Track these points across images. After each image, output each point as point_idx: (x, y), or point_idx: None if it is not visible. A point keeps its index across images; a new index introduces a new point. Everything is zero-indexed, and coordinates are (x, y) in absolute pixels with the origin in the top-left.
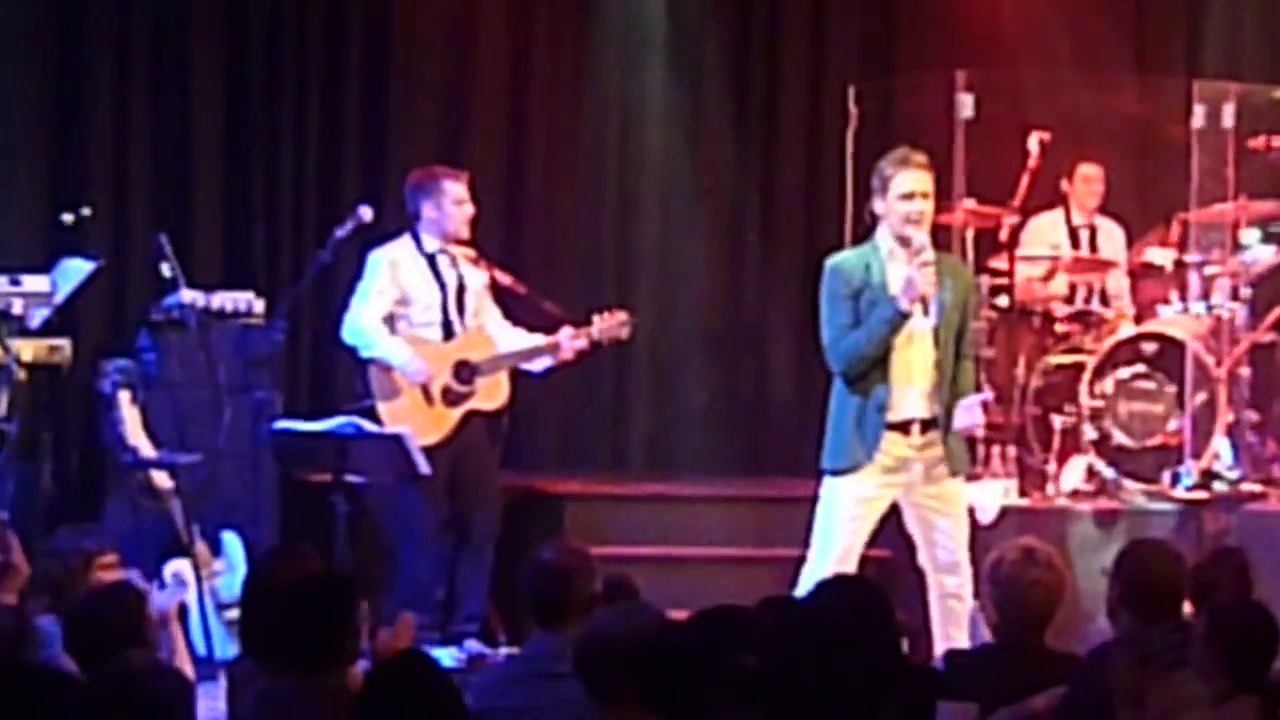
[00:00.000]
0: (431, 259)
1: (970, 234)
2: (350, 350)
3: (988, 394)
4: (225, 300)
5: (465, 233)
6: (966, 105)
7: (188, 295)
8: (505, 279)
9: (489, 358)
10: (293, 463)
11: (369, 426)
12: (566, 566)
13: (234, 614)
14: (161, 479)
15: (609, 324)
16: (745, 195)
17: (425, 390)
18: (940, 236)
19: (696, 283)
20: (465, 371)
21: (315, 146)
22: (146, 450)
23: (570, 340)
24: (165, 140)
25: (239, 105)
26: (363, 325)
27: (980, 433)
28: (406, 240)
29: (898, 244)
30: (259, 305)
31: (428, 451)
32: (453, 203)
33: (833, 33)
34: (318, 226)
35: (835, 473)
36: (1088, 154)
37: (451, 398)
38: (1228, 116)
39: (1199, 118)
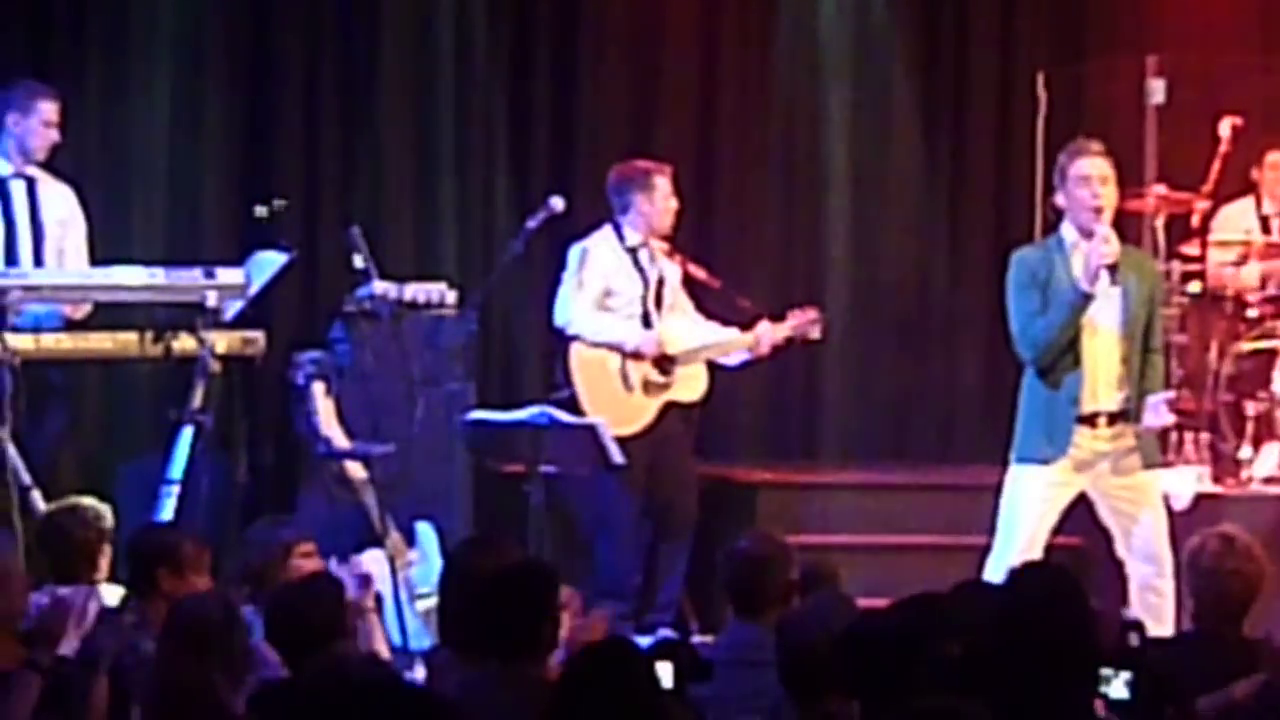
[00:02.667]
0: (633, 252)
1: (1161, 220)
2: (558, 335)
3: (1172, 393)
4: (418, 291)
5: (669, 228)
6: (1158, 90)
7: (380, 286)
8: (700, 273)
9: (686, 350)
10: (486, 453)
11: (563, 416)
12: (764, 556)
13: (428, 604)
14: (356, 470)
15: (802, 321)
16: (934, 183)
17: (625, 380)
18: (1131, 223)
19: (887, 272)
20: (665, 362)
21: (505, 137)
22: (340, 441)
23: (767, 335)
24: (356, 132)
25: (429, 96)
26: (582, 314)
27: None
28: (608, 232)
29: (1081, 236)
30: (451, 296)
31: (625, 441)
32: (663, 197)
33: (1022, 19)
34: (508, 218)
35: (1023, 461)
36: (1277, 145)
37: (651, 388)
38: None
39: None
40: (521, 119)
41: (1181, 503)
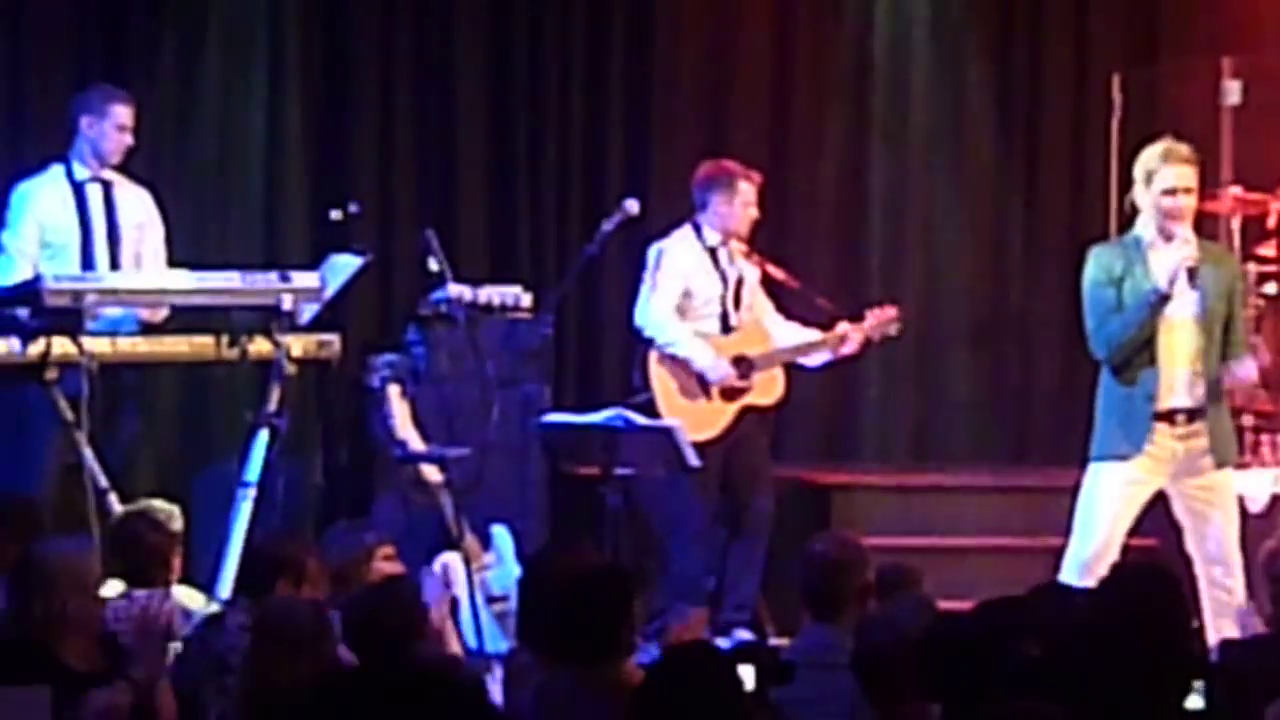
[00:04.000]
0: (713, 252)
1: (1237, 221)
2: (637, 337)
3: (1264, 355)
4: (492, 294)
5: (746, 233)
6: (1233, 91)
7: (455, 289)
8: (779, 274)
9: (766, 352)
10: (562, 456)
11: (639, 419)
12: (839, 558)
13: (503, 607)
14: (431, 473)
15: (881, 320)
16: (1009, 184)
17: (703, 384)
18: (1206, 224)
19: (961, 273)
20: (743, 366)
21: (579, 140)
22: (416, 444)
23: (849, 335)
24: (430, 136)
25: (503, 100)
26: (660, 318)
27: (1259, 394)
28: (688, 232)
29: (1160, 237)
30: (526, 299)
31: (702, 446)
32: (743, 204)
33: (1096, 20)
34: (583, 220)
35: (1101, 459)
36: None
37: (729, 393)
38: None
39: None
40: (596, 121)
41: (1258, 505)
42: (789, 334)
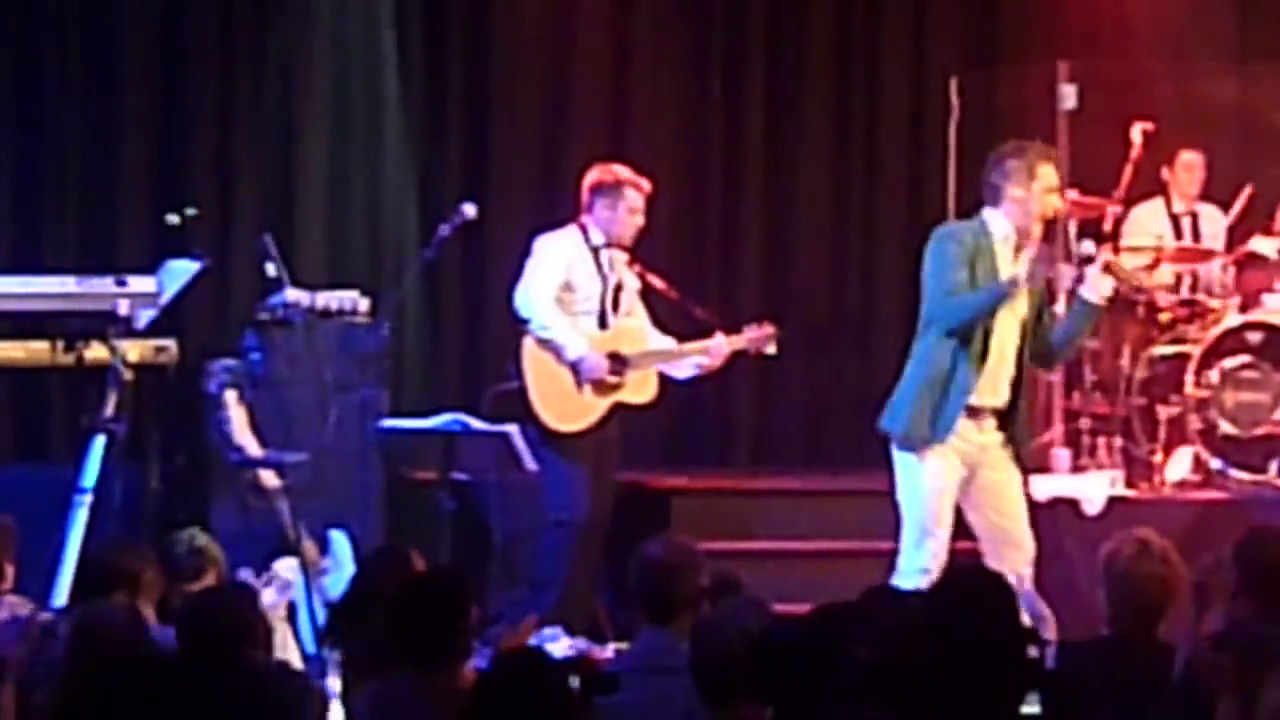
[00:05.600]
0: (596, 252)
1: (1073, 225)
2: (520, 324)
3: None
4: (330, 299)
5: (631, 240)
6: (1069, 96)
7: (293, 294)
8: (659, 283)
9: (640, 352)
10: (400, 460)
11: (476, 424)
12: (672, 562)
13: (344, 612)
14: (269, 478)
15: (758, 335)
16: (848, 187)
17: (577, 376)
18: (1043, 228)
19: (800, 277)
20: (616, 364)
21: (418, 144)
22: (253, 449)
23: (721, 347)
24: (268, 140)
25: (341, 103)
26: (540, 305)
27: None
28: (574, 231)
29: (1017, 234)
30: (364, 304)
31: (574, 437)
32: (628, 210)
33: (934, 23)
34: (421, 224)
35: (904, 448)
36: (1190, 144)
37: (601, 387)
38: None
39: None
40: (434, 126)
41: (1095, 507)
42: (664, 341)
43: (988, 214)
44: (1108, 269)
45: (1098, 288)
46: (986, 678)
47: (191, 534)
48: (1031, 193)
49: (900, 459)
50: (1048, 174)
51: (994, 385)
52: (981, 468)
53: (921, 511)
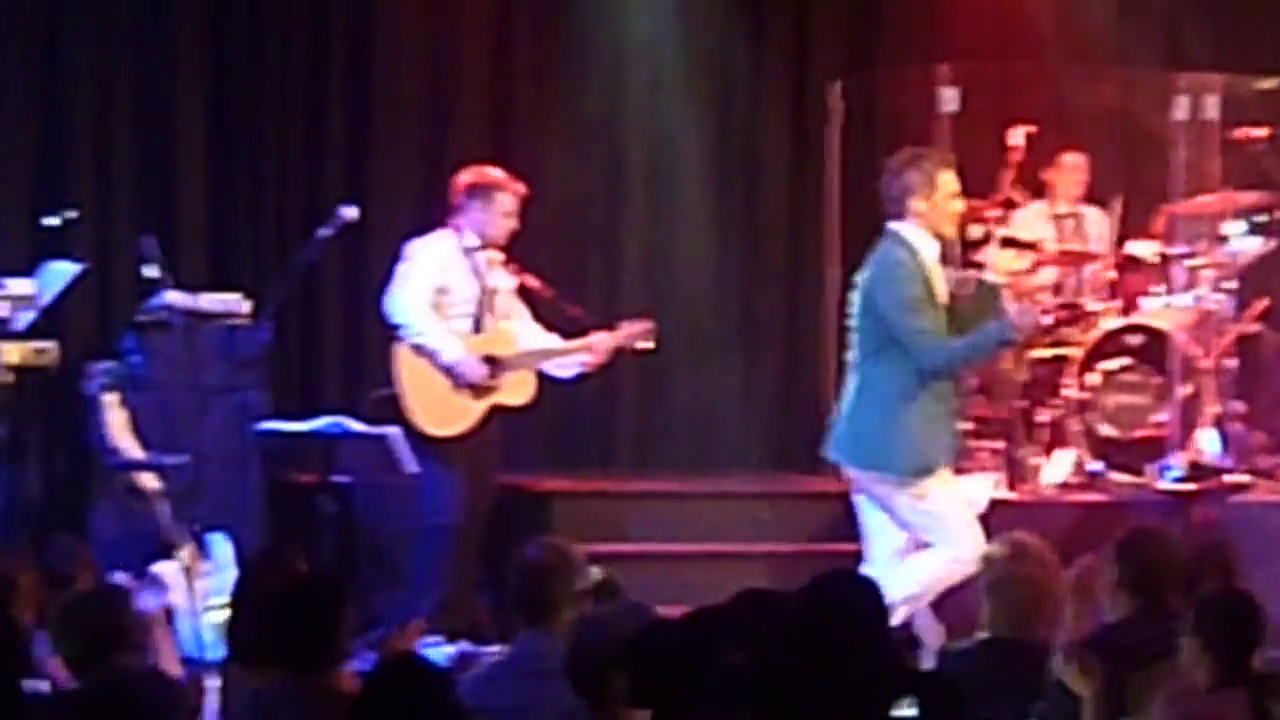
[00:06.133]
0: (469, 255)
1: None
2: (391, 329)
3: None
4: (211, 301)
5: (504, 242)
6: (950, 99)
7: (173, 297)
8: (534, 283)
9: (515, 354)
10: (280, 463)
11: (356, 426)
12: (550, 564)
13: (222, 615)
14: (148, 480)
15: (635, 331)
16: (730, 192)
17: (453, 380)
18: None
19: (682, 279)
20: (492, 366)
21: (299, 147)
22: (133, 452)
23: (600, 344)
24: (149, 142)
25: (223, 107)
26: (412, 310)
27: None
28: (448, 234)
29: (932, 240)
30: (245, 306)
31: (450, 441)
32: (501, 213)
33: (816, 28)
34: (302, 227)
35: (920, 474)
36: (1072, 146)
37: (478, 390)
38: (1211, 108)
39: (1182, 109)
40: (315, 128)
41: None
42: (542, 340)
43: (900, 229)
44: (1006, 244)
45: (998, 265)
46: (856, 681)
47: (67, 538)
48: (934, 203)
49: (920, 485)
50: (948, 181)
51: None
52: None
53: (960, 522)
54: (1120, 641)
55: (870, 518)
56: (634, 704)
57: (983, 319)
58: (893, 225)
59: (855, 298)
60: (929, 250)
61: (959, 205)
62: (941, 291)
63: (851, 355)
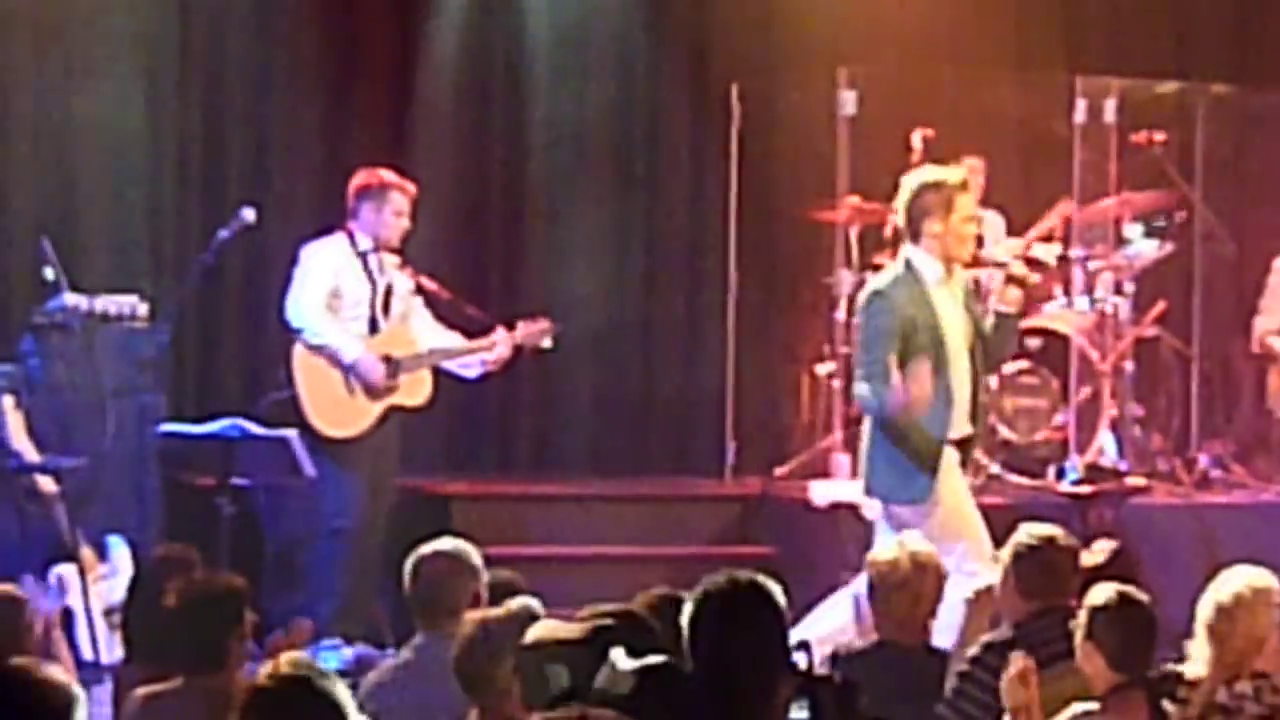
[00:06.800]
0: (364, 258)
1: (855, 231)
2: (292, 333)
3: None
4: (109, 304)
5: (398, 242)
6: (849, 102)
7: (71, 299)
8: (431, 284)
9: (412, 354)
10: (178, 465)
11: (254, 429)
12: (447, 567)
13: (119, 618)
14: (46, 483)
15: (533, 330)
16: (630, 194)
17: (348, 382)
18: (824, 234)
19: (582, 282)
20: (389, 367)
21: (198, 149)
22: (30, 454)
23: (499, 342)
24: (46, 143)
25: (122, 106)
26: (310, 313)
27: None
28: (341, 237)
29: (944, 268)
30: (143, 308)
31: (349, 443)
32: (393, 213)
33: (716, 31)
34: (202, 229)
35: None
36: (970, 150)
37: (374, 391)
38: (1110, 112)
39: (1081, 113)
40: (215, 130)
41: (875, 512)
42: (442, 339)
43: (911, 253)
44: (1010, 280)
45: (1006, 298)
46: (750, 684)
47: None
48: (949, 226)
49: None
50: (965, 204)
51: (962, 417)
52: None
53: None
54: (1016, 646)
55: None
56: (526, 707)
57: (998, 349)
58: (906, 249)
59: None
60: (934, 275)
61: (973, 229)
62: (946, 318)
63: None
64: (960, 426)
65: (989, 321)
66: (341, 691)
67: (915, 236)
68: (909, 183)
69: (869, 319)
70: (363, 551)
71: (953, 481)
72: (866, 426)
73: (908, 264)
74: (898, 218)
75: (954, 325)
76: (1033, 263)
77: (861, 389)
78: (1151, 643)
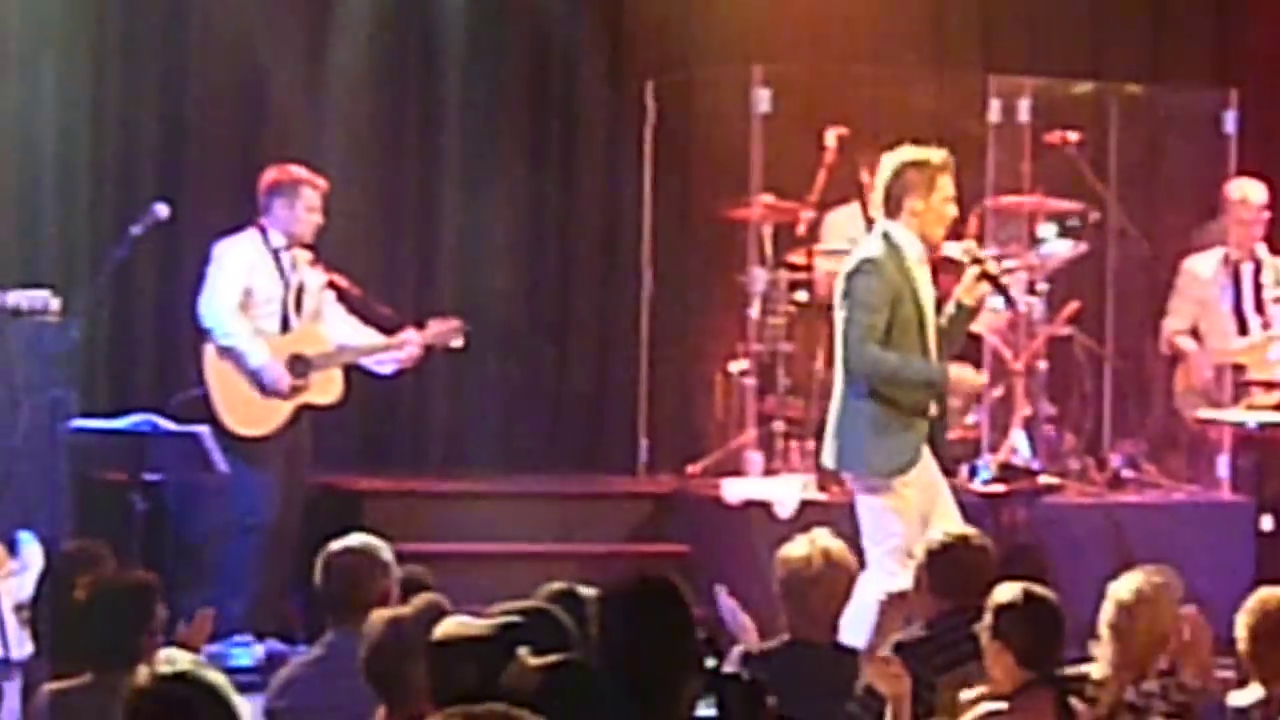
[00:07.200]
0: (276, 255)
1: (768, 229)
2: (204, 334)
3: None
4: (20, 299)
5: (309, 239)
6: (763, 100)
7: None
8: (343, 281)
9: (323, 352)
10: (90, 461)
11: (166, 424)
12: (358, 564)
13: (29, 614)
14: None
15: (444, 329)
16: (544, 191)
17: (257, 384)
18: (737, 231)
19: (495, 279)
20: (299, 365)
21: (111, 143)
22: None
23: (410, 340)
24: None
25: (33, 100)
26: (221, 313)
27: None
28: (253, 234)
29: (927, 247)
30: (55, 303)
31: (260, 441)
32: (305, 208)
33: (631, 27)
34: (114, 224)
35: (892, 474)
36: (886, 149)
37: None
38: (1024, 111)
39: (995, 112)
40: (128, 125)
41: (786, 510)
42: (355, 336)
43: (890, 228)
44: (984, 275)
45: (974, 293)
46: (657, 682)
47: None
48: (930, 205)
49: (882, 486)
50: (946, 184)
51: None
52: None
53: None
54: (928, 645)
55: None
56: (435, 704)
57: (951, 341)
58: (884, 224)
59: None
60: (915, 251)
61: (953, 210)
62: (924, 294)
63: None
64: (931, 406)
65: (948, 310)
66: (224, 687)
67: (895, 212)
68: (891, 159)
69: (864, 282)
70: (275, 548)
71: (926, 476)
72: (846, 400)
73: (887, 237)
74: (875, 194)
75: (929, 305)
76: (946, 261)
77: (872, 351)
78: (1058, 640)
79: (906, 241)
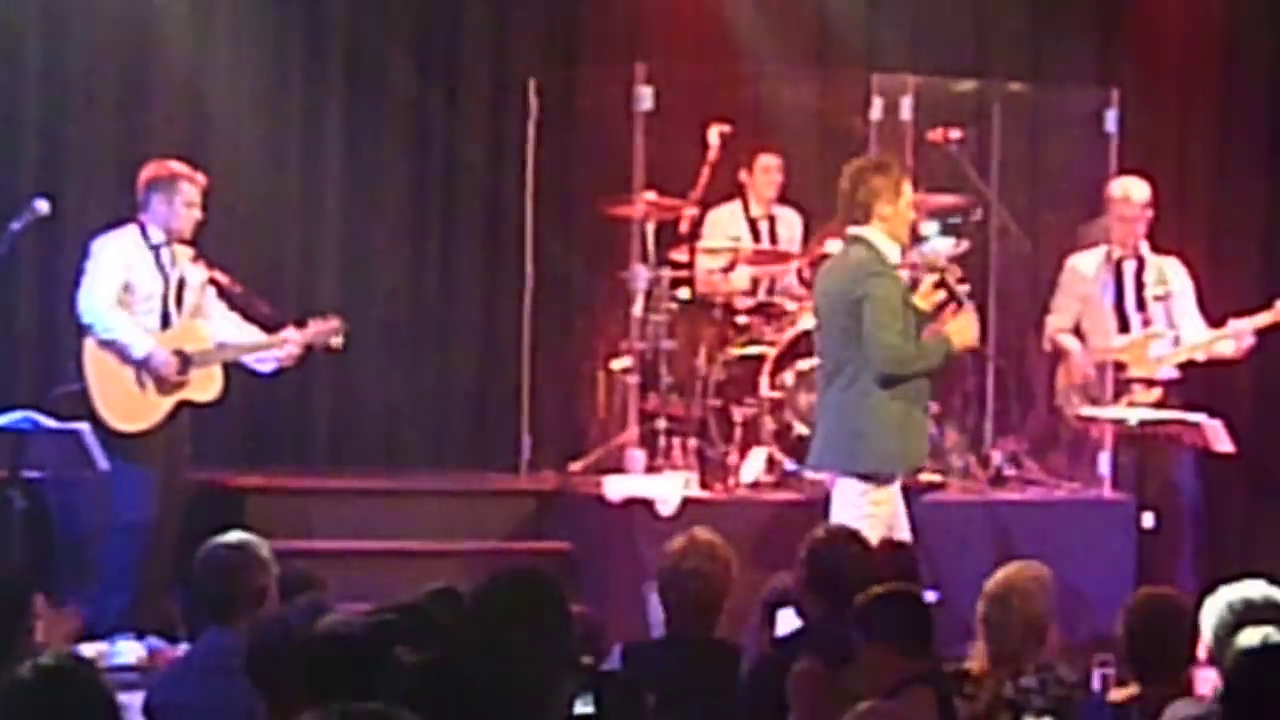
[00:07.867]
0: (156, 250)
1: (651, 226)
2: (84, 330)
3: None
4: None
5: (189, 234)
6: (645, 97)
7: None
8: (223, 278)
9: (203, 349)
10: None
11: (46, 422)
12: (234, 561)
13: None
14: None
15: (322, 329)
16: (427, 188)
17: (138, 376)
18: (620, 229)
19: (378, 276)
20: (179, 361)
21: None
22: None
23: (289, 339)
24: None
25: None
26: (100, 308)
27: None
28: (133, 230)
29: (896, 250)
30: None
31: (139, 437)
32: (184, 204)
33: (515, 25)
34: None
35: (913, 469)
36: (768, 146)
37: (165, 386)
38: (906, 109)
39: (877, 110)
40: (8, 120)
41: (669, 508)
42: (238, 334)
43: (866, 233)
44: (941, 284)
45: (931, 299)
46: (534, 678)
47: None
48: (898, 210)
49: (865, 487)
50: (908, 189)
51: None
52: None
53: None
54: (809, 641)
55: None
56: (316, 701)
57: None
58: (857, 230)
59: (825, 303)
60: (893, 255)
61: (912, 215)
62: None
63: (826, 365)
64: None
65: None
66: (102, 680)
67: (865, 219)
68: (851, 168)
69: (892, 286)
70: (156, 545)
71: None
72: (864, 399)
73: (869, 244)
74: (840, 201)
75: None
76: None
77: (909, 348)
78: (930, 630)
79: (885, 246)
